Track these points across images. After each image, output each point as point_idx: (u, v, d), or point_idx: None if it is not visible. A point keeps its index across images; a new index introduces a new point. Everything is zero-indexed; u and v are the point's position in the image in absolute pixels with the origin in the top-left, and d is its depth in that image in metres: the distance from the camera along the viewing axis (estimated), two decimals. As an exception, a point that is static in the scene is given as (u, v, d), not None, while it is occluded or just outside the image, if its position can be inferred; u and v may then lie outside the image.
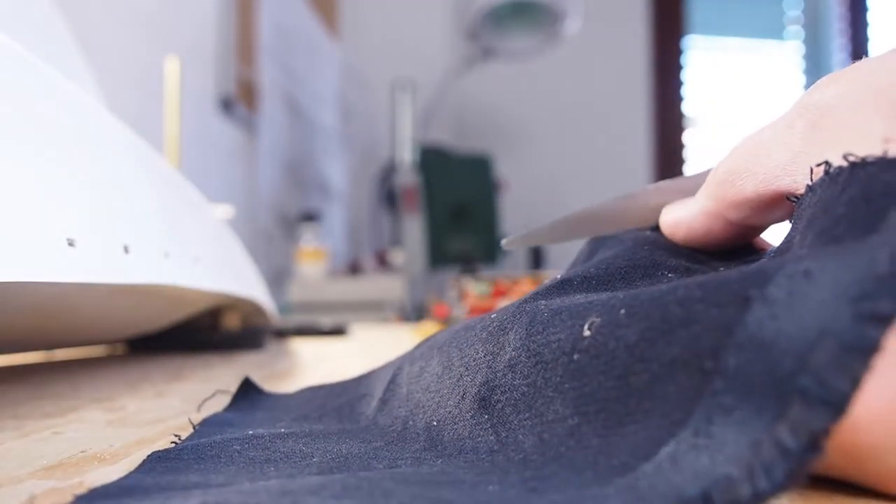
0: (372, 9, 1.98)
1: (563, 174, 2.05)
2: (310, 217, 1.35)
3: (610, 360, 0.13)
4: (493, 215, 1.55)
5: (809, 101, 0.16)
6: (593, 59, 2.06)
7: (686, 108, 2.13)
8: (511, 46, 1.65)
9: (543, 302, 0.16)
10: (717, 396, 0.10)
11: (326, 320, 0.97)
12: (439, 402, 0.17)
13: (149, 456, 0.15)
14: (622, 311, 0.13)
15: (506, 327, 0.16)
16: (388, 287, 1.32)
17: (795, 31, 2.25)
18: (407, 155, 1.53)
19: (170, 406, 0.25)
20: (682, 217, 0.20)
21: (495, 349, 0.16)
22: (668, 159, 2.11)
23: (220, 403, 0.25)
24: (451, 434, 0.16)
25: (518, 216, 1.89)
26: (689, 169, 2.12)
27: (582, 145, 2.06)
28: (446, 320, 0.75)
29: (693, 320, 0.12)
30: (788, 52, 2.26)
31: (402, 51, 1.95)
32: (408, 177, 1.48)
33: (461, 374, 0.17)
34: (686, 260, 0.19)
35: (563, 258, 1.89)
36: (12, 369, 0.38)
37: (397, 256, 1.46)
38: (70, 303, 0.27)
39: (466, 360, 0.17)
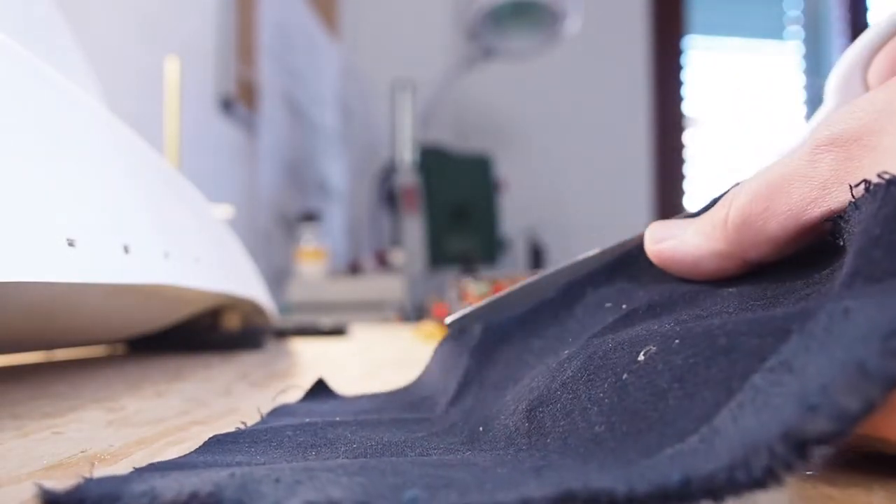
0: (372, 9, 1.98)
1: (563, 174, 2.05)
2: (310, 217, 1.35)
3: (652, 380, 0.13)
4: (493, 215, 1.55)
5: (830, 134, 0.16)
6: (593, 59, 2.06)
7: (686, 108, 2.13)
8: (511, 46, 1.65)
9: (611, 336, 0.17)
10: (732, 410, 0.11)
11: (326, 320, 0.97)
12: (494, 415, 0.18)
13: (209, 438, 0.16)
14: (676, 340, 0.14)
15: (572, 357, 0.17)
16: (388, 287, 1.32)
17: (795, 31, 2.25)
18: (407, 155, 1.53)
19: (170, 406, 0.25)
20: (683, 253, 0.19)
21: (557, 374, 0.17)
22: (668, 159, 2.11)
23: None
24: (490, 437, 0.17)
25: (518, 216, 1.89)
26: (688, 169, 2.12)
27: (582, 145, 2.06)
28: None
29: (734, 349, 0.12)
30: (788, 52, 2.26)
31: (402, 51, 1.95)
32: (408, 177, 1.48)
33: (523, 397, 0.18)
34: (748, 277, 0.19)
35: (564, 258, 1.89)
36: (12, 369, 0.38)
37: (397, 256, 1.46)
38: (70, 303, 0.27)
39: (532, 384, 0.18)
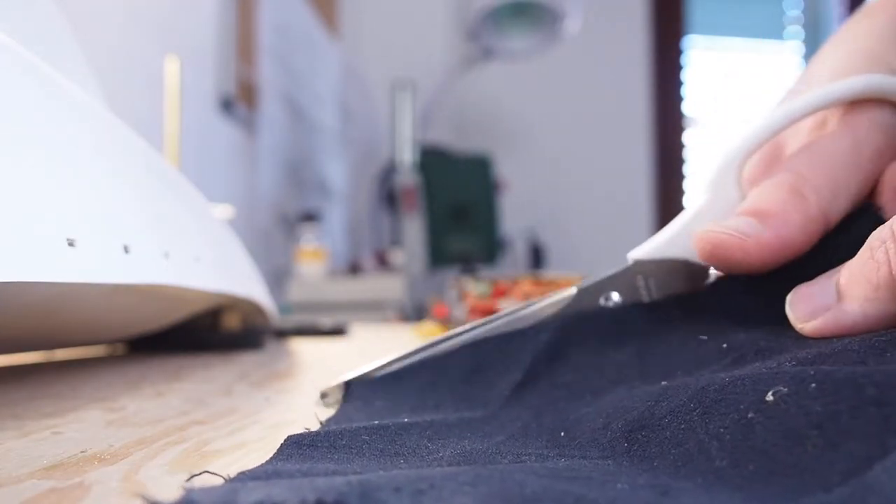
0: (372, 9, 1.98)
1: (563, 174, 2.05)
2: (310, 217, 1.35)
3: (784, 421, 0.13)
4: (493, 215, 1.55)
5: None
6: (593, 59, 2.06)
7: (686, 108, 2.13)
8: (511, 46, 1.65)
9: (722, 374, 0.16)
10: (889, 469, 0.10)
11: (326, 320, 0.96)
12: (574, 422, 0.18)
13: (286, 440, 0.16)
14: (813, 385, 0.13)
15: (679, 387, 0.16)
16: (388, 287, 1.32)
17: (795, 31, 2.25)
18: (407, 155, 1.53)
19: (170, 406, 0.25)
20: (850, 327, 0.16)
21: (661, 400, 0.16)
22: (668, 159, 2.11)
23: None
24: (577, 445, 0.16)
25: (518, 216, 1.89)
26: (688, 169, 2.12)
27: (582, 145, 2.06)
28: (446, 320, 0.75)
29: (886, 402, 0.12)
30: (788, 52, 2.26)
31: (402, 51, 1.95)
32: (408, 177, 1.48)
33: (614, 415, 0.17)
34: None
35: (564, 258, 1.90)
36: (12, 369, 0.38)
37: (397, 256, 1.46)
38: (70, 303, 0.27)
39: (625, 404, 0.17)
